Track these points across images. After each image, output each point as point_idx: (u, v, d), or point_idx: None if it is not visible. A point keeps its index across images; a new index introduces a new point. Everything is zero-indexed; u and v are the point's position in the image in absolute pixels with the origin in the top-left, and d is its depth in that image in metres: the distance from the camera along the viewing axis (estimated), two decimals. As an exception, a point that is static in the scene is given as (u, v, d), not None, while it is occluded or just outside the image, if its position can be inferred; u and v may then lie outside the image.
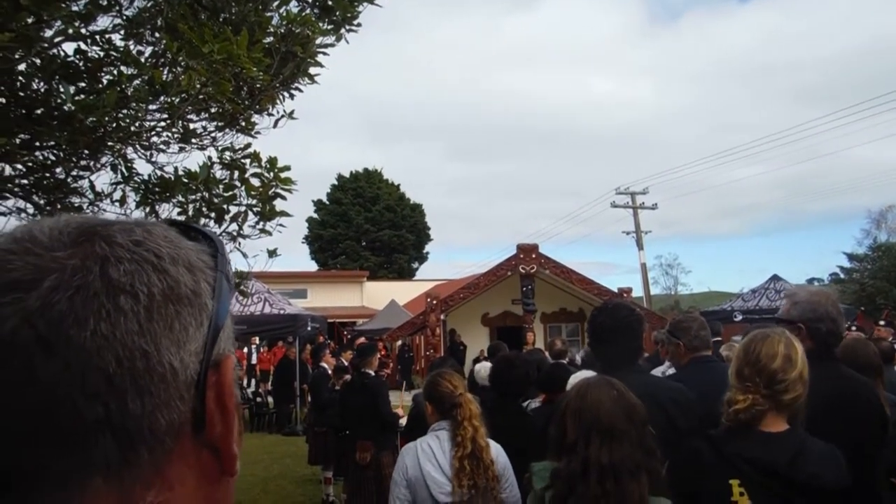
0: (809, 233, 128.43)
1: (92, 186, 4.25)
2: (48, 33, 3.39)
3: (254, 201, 4.24)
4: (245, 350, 21.33)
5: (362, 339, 12.64)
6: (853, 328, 7.92)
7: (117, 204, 4.39)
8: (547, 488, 2.17)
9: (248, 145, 4.30)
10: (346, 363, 9.75)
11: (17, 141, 3.61)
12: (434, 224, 53.96)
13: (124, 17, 3.93)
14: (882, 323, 8.74)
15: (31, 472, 0.53)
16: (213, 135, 3.89)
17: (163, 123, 3.66)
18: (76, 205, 4.31)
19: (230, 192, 3.95)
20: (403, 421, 7.22)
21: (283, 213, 4.01)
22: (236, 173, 4.06)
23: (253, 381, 20.31)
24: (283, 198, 3.80)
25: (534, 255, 23.88)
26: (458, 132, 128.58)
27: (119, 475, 0.55)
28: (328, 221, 46.52)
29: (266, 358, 20.51)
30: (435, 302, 23.70)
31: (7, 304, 0.53)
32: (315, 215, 47.76)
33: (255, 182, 3.91)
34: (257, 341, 21.04)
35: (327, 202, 47.68)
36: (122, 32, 3.94)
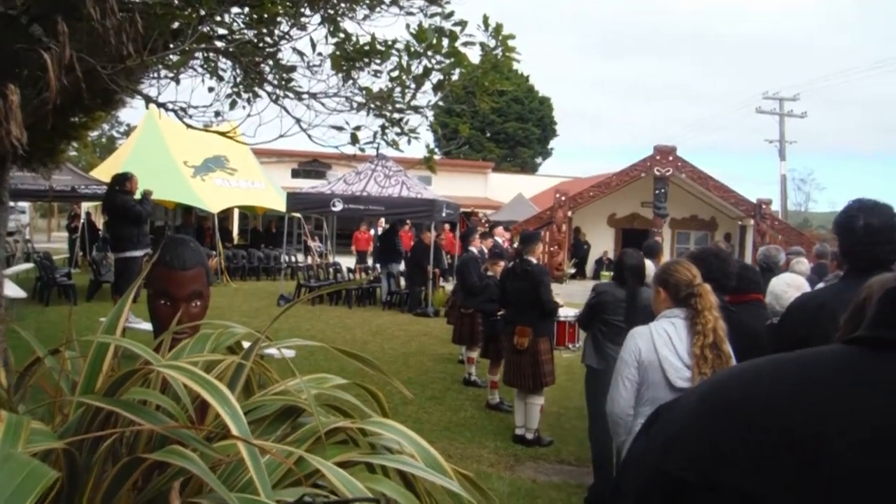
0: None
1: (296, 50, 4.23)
2: None
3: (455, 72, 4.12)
4: (372, 231, 21.86)
5: (500, 229, 12.66)
6: None
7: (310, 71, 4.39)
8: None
9: (452, 13, 4.14)
10: (485, 251, 9.78)
11: None
12: (560, 120, 52.53)
13: None
14: None
15: None
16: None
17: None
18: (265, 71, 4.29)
19: (446, 62, 3.83)
20: (562, 310, 7.23)
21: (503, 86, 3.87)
22: (445, 41, 3.92)
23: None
24: (511, 66, 3.65)
25: (671, 158, 22.99)
26: (593, 26, 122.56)
27: None
28: (453, 110, 46.10)
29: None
30: (564, 198, 23.39)
31: None
32: (440, 103, 47.40)
33: (468, 51, 3.77)
34: (383, 223, 21.39)
35: (454, 90, 47.15)
36: None
